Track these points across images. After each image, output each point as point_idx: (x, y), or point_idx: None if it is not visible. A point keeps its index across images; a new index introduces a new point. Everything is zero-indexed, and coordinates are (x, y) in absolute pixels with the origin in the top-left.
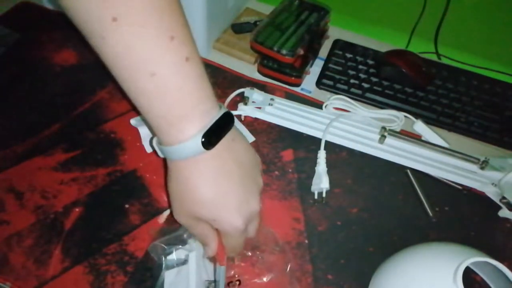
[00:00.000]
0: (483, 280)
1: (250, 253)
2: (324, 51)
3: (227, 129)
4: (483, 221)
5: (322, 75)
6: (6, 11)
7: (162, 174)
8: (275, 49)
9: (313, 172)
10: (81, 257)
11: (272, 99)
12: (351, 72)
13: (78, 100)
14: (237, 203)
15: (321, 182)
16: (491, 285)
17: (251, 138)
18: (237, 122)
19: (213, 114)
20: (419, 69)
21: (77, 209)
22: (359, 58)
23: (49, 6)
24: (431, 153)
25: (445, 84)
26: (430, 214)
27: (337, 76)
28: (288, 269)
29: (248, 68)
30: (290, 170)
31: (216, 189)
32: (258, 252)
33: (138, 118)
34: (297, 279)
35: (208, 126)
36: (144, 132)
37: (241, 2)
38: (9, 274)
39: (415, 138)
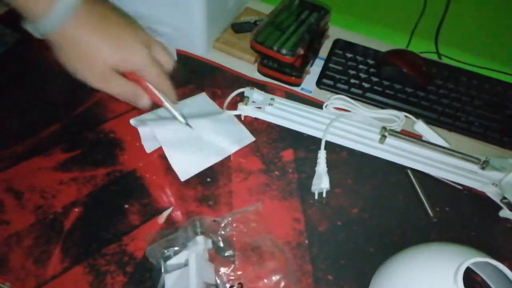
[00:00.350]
0: (484, 280)
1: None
2: (324, 51)
3: None
4: (483, 221)
5: (322, 75)
6: (6, 11)
7: (162, 174)
8: (275, 48)
9: (313, 172)
10: (80, 257)
11: (272, 99)
12: (352, 72)
13: (78, 100)
14: (131, 38)
15: (321, 182)
16: (491, 285)
17: (251, 138)
18: (236, 122)
19: None
20: (419, 69)
21: (76, 209)
22: (359, 58)
23: None
24: (431, 153)
25: (446, 84)
26: (431, 214)
27: (338, 76)
28: (290, 271)
29: (248, 68)
30: (290, 170)
31: (107, 36)
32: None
33: (138, 118)
34: (297, 279)
35: None
36: (144, 132)
37: (241, 2)
38: (9, 274)
39: (416, 138)
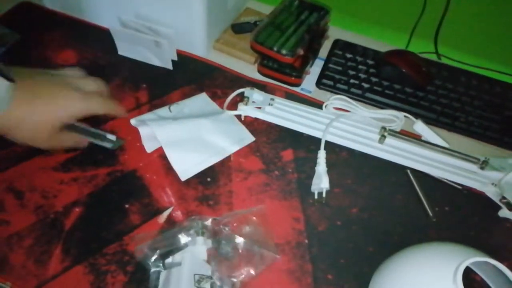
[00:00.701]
0: (483, 280)
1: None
2: (324, 51)
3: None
4: (483, 221)
5: (322, 75)
6: (6, 11)
7: (162, 174)
8: (275, 49)
9: (313, 172)
10: (81, 257)
11: (272, 99)
12: (351, 72)
13: None
14: (60, 90)
15: (321, 182)
16: (491, 285)
17: (251, 138)
18: (237, 122)
19: None
20: (419, 69)
21: (77, 209)
22: (359, 58)
23: (49, 6)
24: (431, 153)
25: (445, 84)
26: (430, 214)
27: (337, 76)
28: (284, 269)
29: (248, 68)
30: (290, 170)
31: (40, 104)
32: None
33: (138, 118)
34: (297, 279)
35: None
36: (144, 132)
37: (241, 2)
38: (9, 274)
39: (415, 138)
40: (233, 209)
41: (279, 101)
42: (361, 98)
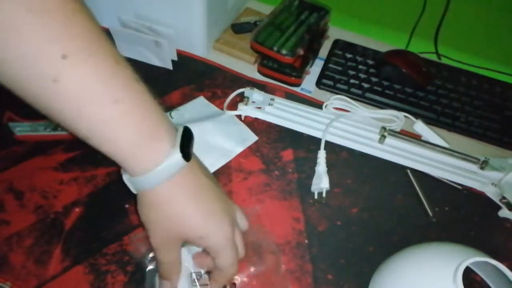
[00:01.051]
0: (483, 280)
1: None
2: (324, 51)
3: (192, 138)
4: (483, 221)
5: (322, 75)
6: None
7: None
8: (275, 49)
9: (313, 172)
10: (81, 257)
11: (272, 99)
12: (351, 72)
13: None
14: (221, 212)
15: (321, 182)
16: (491, 285)
17: (254, 138)
18: (238, 122)
19: (174, 126)
20: (419, 69)
21: (77, 209)
22: (359, 58)
23: None
24: (431, 153)
25: (445, 84)
26: (430, 214)
27: (337, 76)
28: (282, 269)
29: (248, 68)
30: (290, 170)
31: (200, 205)
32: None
33: None
34: (297, 279)
35: (179, 138)
36: None
37: (241, 2)
38: (9, 274)
39: (415, 138)
40: None
41: (279, 101)
42: (361, 98)
